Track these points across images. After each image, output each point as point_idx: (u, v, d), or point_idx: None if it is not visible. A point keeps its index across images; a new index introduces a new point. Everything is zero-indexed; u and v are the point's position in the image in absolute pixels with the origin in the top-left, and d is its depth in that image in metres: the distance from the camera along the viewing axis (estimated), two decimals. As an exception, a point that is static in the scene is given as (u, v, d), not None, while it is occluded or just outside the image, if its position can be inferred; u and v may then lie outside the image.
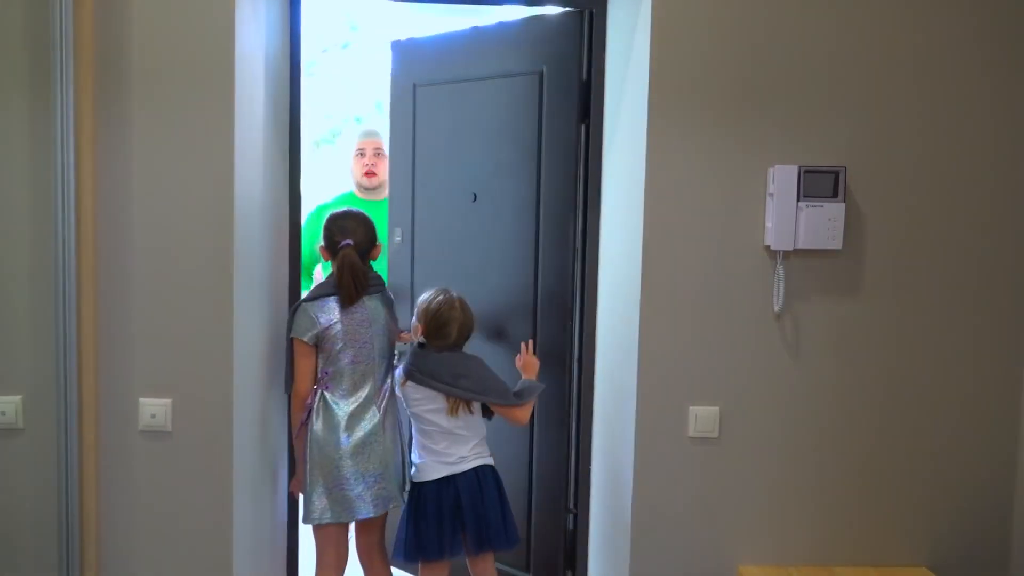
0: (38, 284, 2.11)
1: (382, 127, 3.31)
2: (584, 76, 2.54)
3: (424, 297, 2.48)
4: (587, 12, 2.51)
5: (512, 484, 2.63)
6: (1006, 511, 2.29)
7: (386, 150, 3.36)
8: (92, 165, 2.08)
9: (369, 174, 3.37)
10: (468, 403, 2.43)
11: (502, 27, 2.83)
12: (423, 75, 3.00)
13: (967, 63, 2.18)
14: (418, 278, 3.07)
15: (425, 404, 2.44)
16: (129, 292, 2.14)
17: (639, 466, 2.21)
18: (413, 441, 2.52)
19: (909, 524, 2.27)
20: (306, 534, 2.88)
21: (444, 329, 2.42)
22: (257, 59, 2.30)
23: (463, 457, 2.44)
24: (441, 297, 2.45)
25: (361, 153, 3.40)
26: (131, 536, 2.19)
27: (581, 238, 2.58)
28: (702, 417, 2.20)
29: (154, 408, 2.16)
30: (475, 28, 2.87)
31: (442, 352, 2.44)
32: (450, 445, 2.43)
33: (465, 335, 2.47)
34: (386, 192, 3.41)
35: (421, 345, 2.46)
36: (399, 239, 3.13)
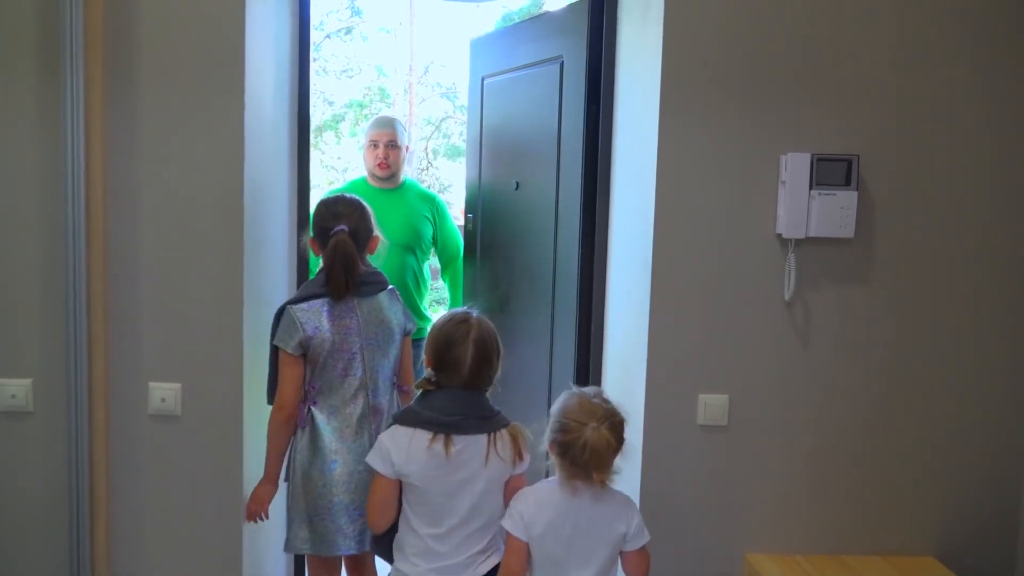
0: (48, 268, 2.11)
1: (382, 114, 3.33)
2: (597, 63, 2.53)
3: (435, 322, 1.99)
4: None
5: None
6: (1014, 501, 2.29)
7: (400, 141, 3.36)
8: (102, 150, 2.08)
9: (382, 166, 3.35)
10: (493, 445, 1.85)
11: (542, 16, 2.89)
12: (487, 68, 3.15)
13: (983, 51, 2.16)
14: (481, 269, 3.22)
15: (425, 469, 1.82)
16: (139, 276, 2.14)
17: (648, 453, 2.21)
18: (398, 537, 1.92)
19: (917, 513, 2.27)
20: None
21: (452, 351, 1.85)
22: (266, 43, 2.29)
23: (473, 558, 1.86)
24: (452, 316, 1.93)
25: (374, 144, 3.37)
26: (141, 519, 2.20)
27: (592, 226, 2.57)
28: (711, 405, 2.20)
29: (164, 392, 2.16)
30: (533, 18, 2.94)
31: (454, 391, 1.86)
32: (461, 544, 1.85)
33: (485, 366, 1.87)
34: (400, 180, 3.41)
35: (425, 393, 1.89)
36: (471, 226, 3.24)
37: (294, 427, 2.15)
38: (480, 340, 1.87)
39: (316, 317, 2.10)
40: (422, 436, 1.82)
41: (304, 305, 2.11)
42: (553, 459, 1.83)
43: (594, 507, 1.82)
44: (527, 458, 1.89)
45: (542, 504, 1.81)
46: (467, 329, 1.87)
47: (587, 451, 1.75)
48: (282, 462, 2.17)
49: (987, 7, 2.15)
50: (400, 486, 1.87)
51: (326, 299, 2.12)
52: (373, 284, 2.20)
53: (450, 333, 1.87)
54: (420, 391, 1.90)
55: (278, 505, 2.58)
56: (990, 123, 2.18)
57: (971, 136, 2.18)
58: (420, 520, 1.85)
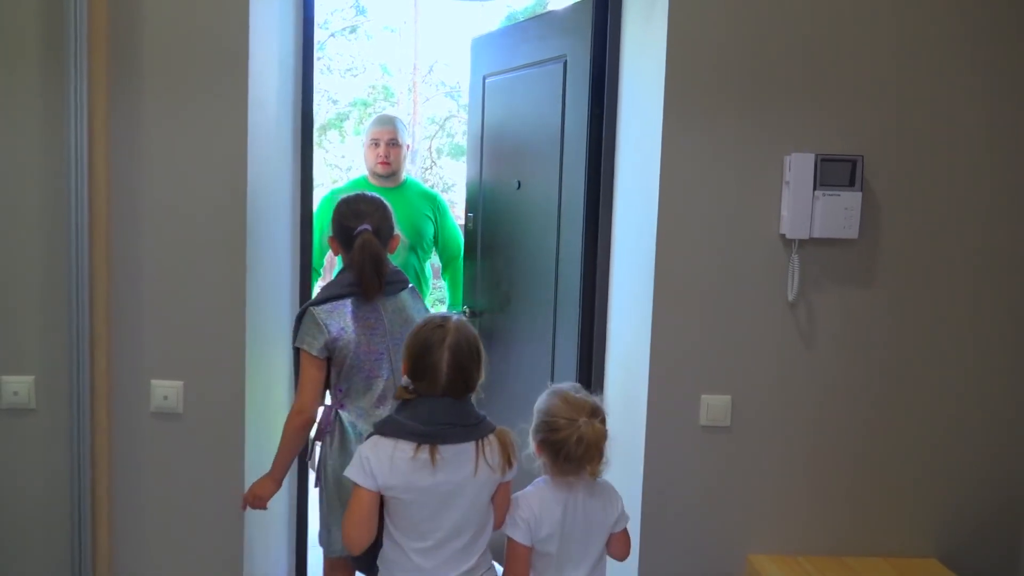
0: (51, 266, 2.11)
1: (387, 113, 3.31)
2: (601, 62, 2.53)
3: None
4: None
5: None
6: (1017, 503, 2.28)
7: (401, 139, 3.36)
8: (105, 148, 2.08)
9: (383, 164, 3.35)
10: (480, 453, 1.75)
11: (545, 16, 2.89)
12: (489, 66, 3.15)
13: (985, 52, 2.16)
14: (482, 268, 3.21)
15: (411, 481, 1.71)
16: (142, 274, 2.14)
17: (650, 453, 2.20)
18: (383, 552, 1.81)
19: (919, 515, 2.27)
20: (314, 518, 2.88)
21: (428, 359, 1.73)
22: (270, 42, 2.29)
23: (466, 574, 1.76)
24: (428, 321, 1.80)
25: (375, 143, 3.37)
26: (142, 516, 2.20)
27: (594, 225, 2.57)
28: (714, 406, 2.20)
29: (166, 390, 2.16)
30: (535, 17, 2.94)
31: (434, 399, 1.74)
32: (450, 559, 1.75)
33: (463, 374, 1.74)
34: (401, 179, 3.41)
35: (404, 402, 1.77)
36: (471, 225, 3.24)
37: (311, 430, 2.11)
38: (456, 346, 1.73)
39: (340, 318, 2.07)
40: (405, 447, 1.70)
41: (327, 306, 2.07)
42: (542, 460, 1.82)
43: (589, 500, 1.82)
44: (516, 465, 1.81)
45: (545, 506, 1.81)
46: (443, 335, 1.74)
47: (582, 446, 1.74)
48: (291, 465, 2.15)
49: (988, 7, 2.15)
50: (381, 500, 1.74)
51: (350, 299, 2.09)
52: (396, 283, 2.18)
53: (425, 339, 1.75)
54: (399, 400, 1.79)
55: (276, 502, 2.58)
56: (993, 123, 2.17)
57: (974, 136, 2.18)
58: (403, 534, 1.74)
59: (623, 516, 1.88)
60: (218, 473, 2.19)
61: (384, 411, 2.07)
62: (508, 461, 1.78)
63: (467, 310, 3.27)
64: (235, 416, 2.18)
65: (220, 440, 2.18)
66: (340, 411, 2.11)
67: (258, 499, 2.11)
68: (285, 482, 2.58)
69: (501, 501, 1.82)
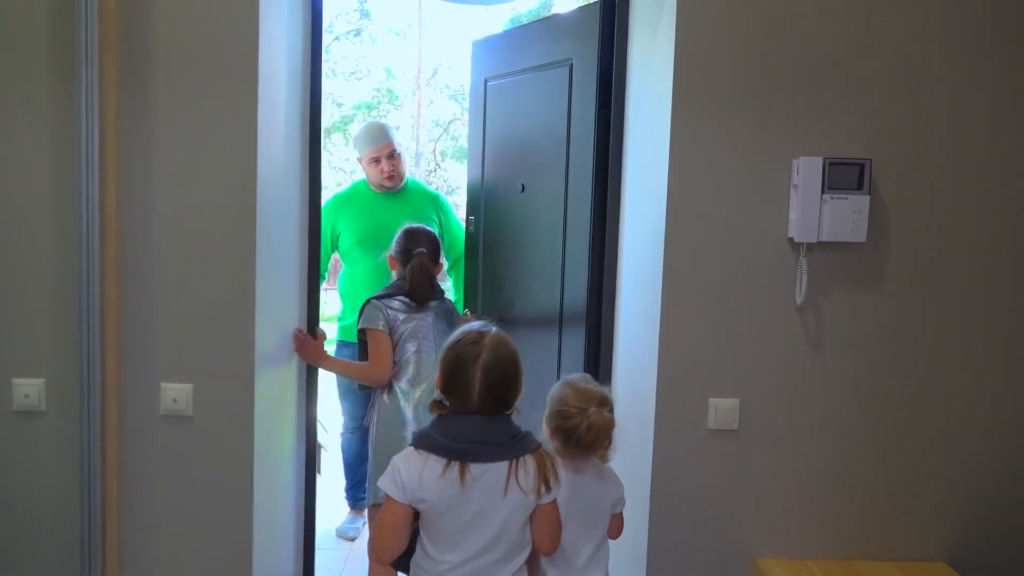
0: (61, 267, 2.11)
1: (391, 116, 3.31)
2: (608, 66, 2.53)
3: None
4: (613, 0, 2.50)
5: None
6: (1026, 507, 2.28)
7: (397, 147, 3.37)
8: (116, 149, 2.09)
9: (390, 177, 3.36)
10: (514, 473, 1.70)
11: (551, 19, 2.90)
12: (491, 70, 3.18)
13: (995, 54, 2.16)
14: (484, 271, 3.23)
15: (440, 497, 1.69)
16: (152, 277, 2.14)
17: (658, 457, 2.21)
18: (415, 558, 1.80)
19: (928, 518, 2.27)
20: (321, 520, 2.89)
21: (461, 376, 1.71)
22: (280, 44, 2.30)
23: None
24: (464, 335, 1.77)
25: (375, 161, 3.36)
26: (151, 519, 2.20)
27: (602, 229, 2.57)
28: (722, 409, 2.20)
29: (175, 393, 2.16)
30: (539, 20, 2.95)
31: (466, 416, 1.73)
32: (479, 573, 1.71)
33: (495, 392, 1.71)
34: (403, 181, 3.42)
35: (439, 416, 1.76)
36: (472, 228, 3.30)
37: (366, 385, 2.74)
38: (489, 365, 1.70)
39: (395, 308, 2.67)
40: (435, 463, 1.68)
41: (386, 300, 2.68)
42: (554, 444, 1.87)
43: (596, 483, 1.88)
44: (555, 488, 1.74)
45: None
46: (477, 351, 1.71)
47: (592, 433, 1.80)
48: (336, 372, 2.82)
49: (997, 11, 2.15)
50: (414, 513, 1.72)
51: (401, 298, 2.68)
52: (439, 297, 2.77)
53: (459, 355, 1.72)
54: (436, 414, 1.77)
55: (284, 504, 2.58)
56: (1002, 127, 2.18)
57: (983, 140, 2.18)
58: (434, 545, 1.73)
59: (622, 500, 1.95)
60: (227, 476, 2.19)
61: (427, 384, 2.65)
62: (546, 483, 1.72)
63: (467, 312, 3.27)
64: (244, 419, 2.18)
65: (229, 443, 2.19)
66: (393, 380, 2.66)
67: (305, 344, 2.56)
68: (292, 484, 2.60)
69: (542, 523, 1.76)
